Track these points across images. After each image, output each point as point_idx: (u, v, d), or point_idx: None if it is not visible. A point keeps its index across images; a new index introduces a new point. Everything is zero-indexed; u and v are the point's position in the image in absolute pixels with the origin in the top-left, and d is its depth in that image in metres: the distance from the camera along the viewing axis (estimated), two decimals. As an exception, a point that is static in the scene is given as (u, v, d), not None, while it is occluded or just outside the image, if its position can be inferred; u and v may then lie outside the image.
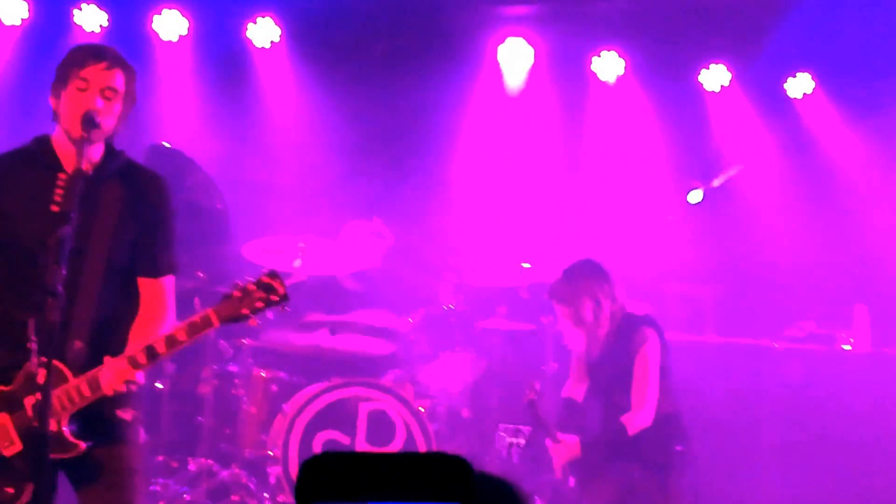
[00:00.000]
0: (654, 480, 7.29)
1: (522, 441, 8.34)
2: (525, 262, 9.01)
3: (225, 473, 8.08)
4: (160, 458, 8.20)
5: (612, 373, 7.40)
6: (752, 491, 8.73)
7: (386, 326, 8.58)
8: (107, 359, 4.74)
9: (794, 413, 8.79)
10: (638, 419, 7.24)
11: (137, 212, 4.97)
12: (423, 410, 8.05)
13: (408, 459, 1.82)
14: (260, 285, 4.81)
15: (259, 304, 4.78)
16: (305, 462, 1.83)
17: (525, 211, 9.94)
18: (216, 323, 4.80)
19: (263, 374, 8.30)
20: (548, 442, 7.45)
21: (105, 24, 9.63)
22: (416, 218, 9.63)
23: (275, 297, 4.80)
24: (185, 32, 9.80)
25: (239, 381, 8.29)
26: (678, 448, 7.35)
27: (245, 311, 4.78)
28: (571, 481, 7.44)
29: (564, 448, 7.35)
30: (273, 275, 4.84)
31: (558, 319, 7.59)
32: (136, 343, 4.87)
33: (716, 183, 9.00)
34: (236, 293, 4.80)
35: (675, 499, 7.29)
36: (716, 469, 8.34)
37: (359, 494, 1.79)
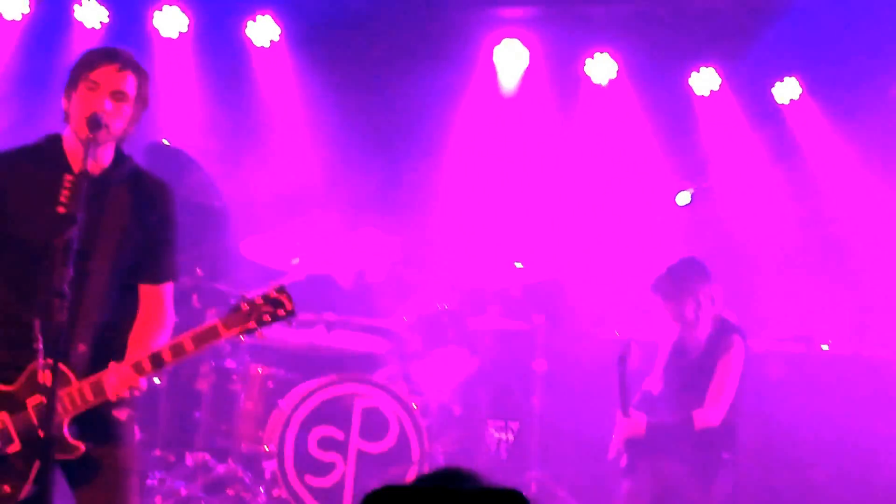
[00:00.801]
0: (697, 483, 7.30)
1: (511, 437, 8.36)
2: (518, 262, 8.98)
3: (221, 468, 8.05)
4: (157, 452, 8.15)
5: (694, 373, 7.40)
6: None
7: (380, 325, 8.54)
8: (112, 364, 4.72)
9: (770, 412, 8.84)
10: (708, 417, 7.26)
11: (143, 218, 4.95)
12: (415, 406, 8.04)
13: (468, 494, 1.81)
14: (268, 300, 4.81)
15: (266, 319, 4.81)
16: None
17: (518, 211, 9.90)
18: (224, 334, 4.80)
19: (260, 371, 8.26)
20: (617, 413, 7.41)
21: (105, 20, 9.54)
22: (410, 217, 9.60)
23: (282, 312, 4.82)
24: (185, 29, 9.72)
25: (236, 377, 8.24)
26: (726, 456, 7.36)
27: (252, 324, 4.80)
28: (624, 460, 7.44)
29: (630, 424, 7.33)
30: (281, 290, 4.84)
31: (660, 314, 7.55)
32: (134, 348, 4.87)
33: (682, 198, 9.00)
34: (244, 306, 4.80)
35: None
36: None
37: None
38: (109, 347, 4.85)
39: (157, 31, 9.72)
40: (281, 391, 8.19)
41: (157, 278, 5.02)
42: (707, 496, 7.30)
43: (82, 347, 4.78)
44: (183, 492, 7.92)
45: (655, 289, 7.52)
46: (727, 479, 7.36)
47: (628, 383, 7.39)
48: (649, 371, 7.76)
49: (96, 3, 9.55)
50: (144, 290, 5.01)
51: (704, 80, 9.94)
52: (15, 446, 4.73)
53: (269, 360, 8.39)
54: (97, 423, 4.81)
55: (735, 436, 7.40)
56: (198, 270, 8.19)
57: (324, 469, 7.89)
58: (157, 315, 5.00)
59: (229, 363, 8.31)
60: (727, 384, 7.31)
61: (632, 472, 7.40)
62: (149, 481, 7.87)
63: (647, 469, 7.36)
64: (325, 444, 7.92)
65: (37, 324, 4.65)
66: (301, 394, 7.95)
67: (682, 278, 7.45)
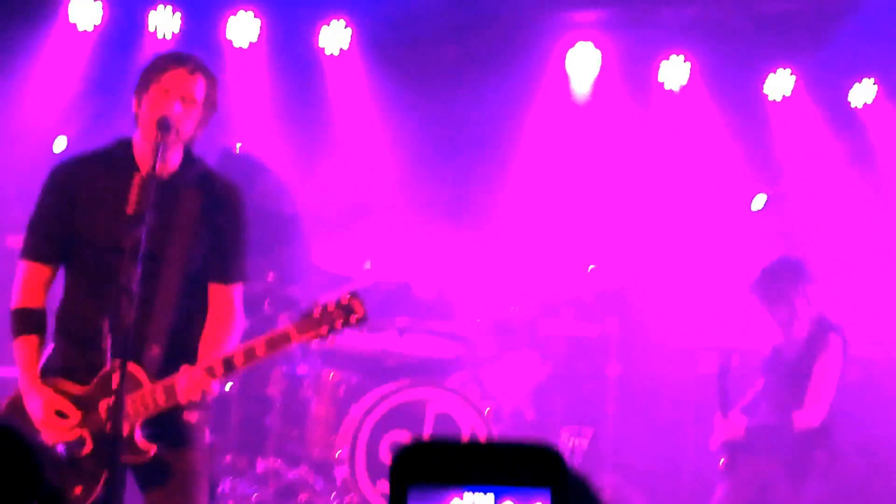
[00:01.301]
0: (791, 484, 7.21)
1: (585, 442, 8.27)
2: (591, 266, 8.90)
3: (292, 474, 7.98)
4: (228, 458, 8.10)
5: (793, 374, 7.30)
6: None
7: (453, 329, 8.48)
8: (184, 367, 4.70)
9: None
10: (808, 417, 7.17)
11: (213, 220, 4.93)
12: (488, 412, 7.95)
13: (501, 447, 1.80)
14: (340, 306, 4.80)
15: (338, 325, 4.79)
16: (400, 448, 1.80)
17: (591, 216, 9.77)
18: (295, 340, 4.78)
19: (332, 376, 8.19)
20: (716, 416, 7.34)
21: (178, 29, 9.55)
22: (483, 221, 9.50)
23: (354, 319, 4.81)
24: (257, 37, 9.69)
25: (307, 383, 8.17)
26: (820, 457, 7.26)
27: (324, 330, 4.78)
28: (723, 462, 7.36)
29: (730, 426, 7.26)
30: (354, 295, 4.83)
31: (758, 315, 7.47)
32: (205, 350, 4.84)
33: (757, 203, 8.89)
34: (317, 312, 4.78)
35: None
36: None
37: (452, 480, 1.78)
38: (182, 349, 4.84)
39: (229, 38, 9.69)
40: (353, 396, 8.10)
41: (226, 279, 5.00)
42: (799, 497, 7.19)
43: (155, 349, 4.77)
44: (254, 498, 7.87)
45: (754, 290, 7.42)
46: (821, 481, 7.25)
47: (728, 386, 7.33)
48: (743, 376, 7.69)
49: (169, 12, 9.57)
50: (214, 291, 4.98)
51: (779, 84, 9.78)
52: (87, 448, 4.72)
53: (340, 365, 8.33)
54: (168, 425, 4.80)
55: (830, 437, 7.30)
56: (269, 276, 8.14)
57: (397, 475, 7.77)
58: (227, 316, 4.97)
59: (301, 369, 8.26)
60: (826, 384, 7.21)
61: (730, 474, 7.32)
62: (220, 488, 7.81)
63: (744, 470, 7.28)
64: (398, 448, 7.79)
65: (106, 324, 4.65)
66: (373, 399, 7.87)
67: (777, 279, 7.34)
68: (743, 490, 7.28)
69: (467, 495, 1.78)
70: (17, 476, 2.11)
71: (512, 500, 1.79)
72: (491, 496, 1.79)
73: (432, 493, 1.78)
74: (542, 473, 1.79)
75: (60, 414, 4.74)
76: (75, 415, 4.73)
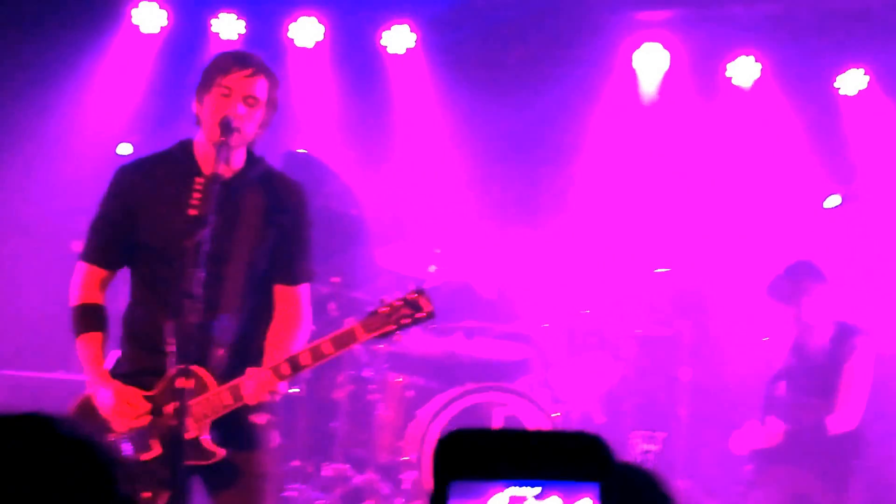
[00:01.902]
0: (830, 491, 7.11)
1: (657, 447, 8.14)
2: (660, 268, 8.76)
3: (359, 479, 7.88)
4: (295, 462, 7.98)
5: (820, 377, 7.24)
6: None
7: (521, 331, 8.36)
8: (249, 369, 4.62)
9: None
10: (842, 422, 7.10)
11: (277, 219, 4.86)
12: (557, 416, 7.82)
13: (546, 438, 1.74)
14: (407, 302, 4.72)
15: (405, 322, 4.71)
16: (442, 440, 1.72)
17: (660, 216, 9.61)
18: (362, 338, 4.71)
19: (399, 380, 8.11)
20: (752, 421, 7.32)
21: (242, 31, 9.57)
22: (551, 222, 9.36)
23: (421, 315, 4.72)
24: (320, 39, 9.65)
25: (374, 387, 8.07)
26: (856, 462, 7.17)
27: (391, 327, 4.69)
28: (751, 469, 7.31)
29: (768, 432, 7.20)
30: (420, 292, 4.75)
31: (779, 317, 7.45)
32: (271, 351, 4.76)
33: (832, 202, 8.77)
34: (383, 309, 4.70)
35: None
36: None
37: (496, 473, 1.71)
38: (247, 351, 4.78)
39: (292, 41, 9.66)
40: (419, 400, 8.02)
41: (292, 280, 4.93)
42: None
43: (220, 351, 4.70)
44: (321, 502, 7.78)
45: (772, 292, 7.42)
46: (861, 486, 7.15)
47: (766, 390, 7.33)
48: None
49: (234, 15, 9.59)
50: (280, 291, 4.91)
51: (852, 81, 9.56)
52: (155, 452, 4.67)
53: (407, 368, 8.23)
54: (235, 428, 4.74)
55: (865, 441, 7.22)
56: (334, 279, 8.06)
57: (464, 479, 7.67)
58: (294, 317, 4.90)
59: (367, 372, 8.17)
60: (858, 387, 7.16)
61: (762, 482, 7.23)
62: (287, 492, 7.71)
63: (777, 479, 7.19)
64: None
65: (169, 326, 4.57)
66: (440, 403, 7.77)
67: (797, 280, 7.33)
68: (778, 498, 7.17)
69: (511, 489, 1.70)
70: (90, 489, 2.08)
71: (558, 495, 1.71)
72: (537, 490, 1.71)
73: (474, 487, 1.70)
74: (590, 466, 1.71)
75: (132, 403, 4.69)
76: (144, 405, 4.69)
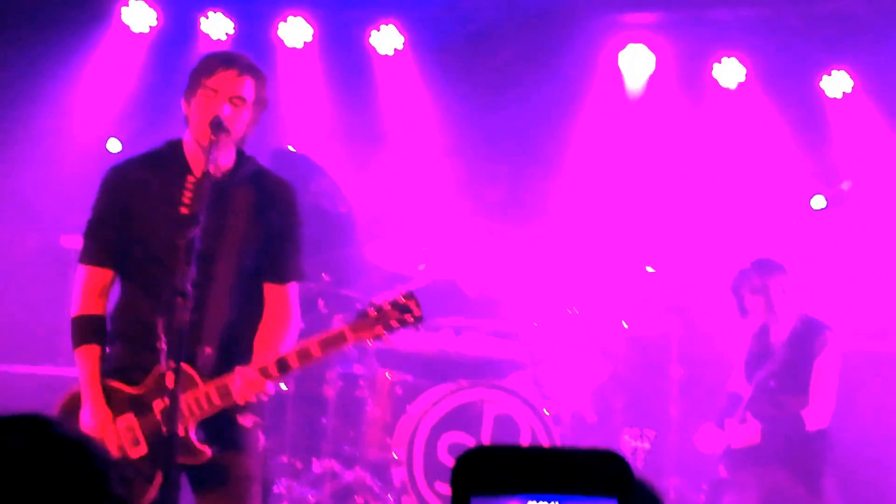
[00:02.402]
0: (807, 489, 7.10)
1: (647, 445, 8.12)
2: (649, 267, 8.74)
3: (349, 475, 7.83)
4: (284, 459, 7.93)
5: (788, 372, 7.24)
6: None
7: (511, 330, 8.32)
8: (238, 368, 4.60)
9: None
10: (818, 417, 7.11)
11: (266, 218, 4.85)
12: (548, 413, 7.78)
13: (565, 453, 1.77)
14: (396, 306, 4.71)
15: (394, 325, 4.70)
16: (462, 455, 1.77)
17: (647, 215, 9.60)
18: (351, 340, 4.69)
19: (388, 376, 8.05)
20: (730, 421, 7.30)
21: (231, 31, 9.57)
22: (538, 222, 9.34)
23: (410, 318, 4.72)
24: (309, 39, 9.64)
25: (363, 383, 8.03)
26: (829, 459, 7.20)
27: (379, 330, 4.68)
28: (723, 471, 7.31)
29: (746, 432, 7.18)
30: (410, 296, 4.74)
31: (744, 309, 7.48)
32: (260, 349, 4.74)
33: (817, 203, 8.76)
34: (372, 312, 4.69)
35: None
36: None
37: (516, 488, 1.74)
38: (236, 349, 4.75)
39: (281, 40, 9.65)
40: (409, 397, 7.96)
41: (281, 278, 4.90)
42: (818, 499, 7.08)
43: (208, 349, 4.68)
44: (311, 499, 7.74)
45: (740, 283, 7.46)
46: (833, 484, 7.17)
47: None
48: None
49: (222, 14, 9.58)
50: (269, 290, 4.88)
51: (836, 83, 9.56)
52: (142, 449, 4.64)
53: (397, 365, 8.18)
54: (223, 428, 4.71)
55: (834, 438, 7.26)
56: (324, 276, 8.02)
57: (454, 477, 7.64)
58: (283, 316, 4.87)
59: (357, 369, 8.13)
60: (829, 382, 7.19)
61: (738, 482, 7.23)
62: (276, 488, 7.66)
63: (756, 477, 7.18)
64: (456, 450, 7.63)
65: (160, 324, 4.57)
66: (430, 400, 7.72)
67: (768, 272, 7.38)
68: (754, 496, 7.15)
69: (530, 503, 1.73)
70: (86, 490, 2.11)
71: None
72: None
73: (494, 501, 1.74)
74: (608, 481, 1.73)
75: (103, 435, 4.66)
76: (129, 416, 4.66)
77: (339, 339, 4.67)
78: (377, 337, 4.69)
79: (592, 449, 1.74)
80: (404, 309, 4.70)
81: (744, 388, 7.43)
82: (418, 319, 4.72)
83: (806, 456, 7.11)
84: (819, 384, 7.16)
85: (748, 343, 7.48)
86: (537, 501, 1.72)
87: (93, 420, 4.65)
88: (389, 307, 4.69)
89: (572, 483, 1.72)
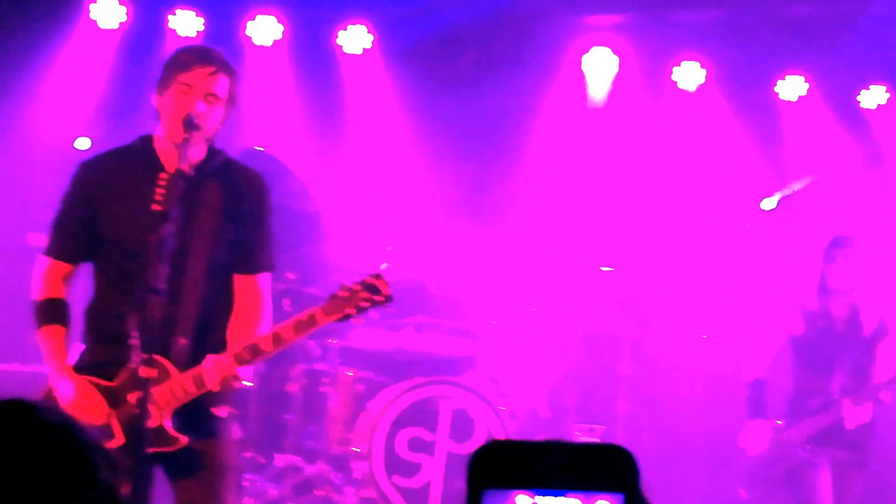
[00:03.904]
0: (859, 478, 7.00)
1: (597, 439, 8.22)
2: (605, 266, 8.83)
3: (311, 469, 7.91)
4: (248, 454, 8.00)
5: (850, 353, 7.05)
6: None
7: (468, 327, 8.40)
8: (210, 356, 4.62)
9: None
10: (864, 410, 6.94)
11: (237, 209, 4.85)
12: (503, 409, 7.86)
13: (575, 449, 1.77)
14: (365, 286, 4.72)
15: (364, 304, 4.69)
16: (477, 450, 1.77)
17: (607, 216, 9.69)
18: (322, 322, 4.71)
19: (350, 374, 8.11)
20: (768, 423, 7.14)
21: (200, 29, 9.48)
22: (501, 222, 9.40)
23: (379, 298, 4.72)
24: (278, 38, 9.61)
25: (326, 380, 8.09)
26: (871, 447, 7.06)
27: (350, 310, 4.69)
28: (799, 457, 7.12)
29: (860, 412, 6.95)
30: (377, 276, 4.75)
31: (829, 284, 7.17)
32: (233, 340, 4.75)
33: (769, 203, 8.84)
34: (342, 293, 4.70)
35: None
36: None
37: (528, 483, 1.75)
38: (210, 340, 4.76)
39: (250, 39, 9.62)
40: (370, 393, 8.04)
41: (252, 269, 4.91)
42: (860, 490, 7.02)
43: (182, 341, 4.69)
44: (273, 493, 7.81)
45: (835, 254, 7.17)
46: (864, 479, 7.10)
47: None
48: None
49: (192, 12, 9.51)
50: (240, 281, 4.89)
51: (791, 87, 9.68)
52: (118, 441, 4.66)
53: (358, 363, 8.24)
54: (198, 417, 4.74)
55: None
56: (289, 275, 8.04)
57: (412, 470, 7.73)
58: (255, 306, 4.88)
59: (319, 366, 8.18)
60: (889, 372, 6.96)
61: (815, 465, 7.02)
62: (240, 482, 7.75)
63: (827, 462, 7.02)
64: (414, 445, 7.75)
65: (132, 319, 4.55)
66: (390, 396, 7.80)
67: (828, 247, 7.16)
68: (826, 483, 6.99)
69: (538, 498, 1.75)
70: (71, 475, 2.06)
71: (581, 502, 1.75)
72: (562, 499, 1.75)
73: (504, 495, 1.75)
74: (616, 476, 1.74)
75: (91, 398, 4.68)
76: (102, 402, 4.68)
77: (312, 320, 4.69)
78: (347, 317, 4.69)
79: (601, 444, 1.77)
80: (373, 289, 4.70)
81: (782, 375, 7.23)
82: (388, 298, 4.72)
83: (858, 446, 7.01)
84: (879, 374, 7.00)
85: (800, 326, 7.21)
86: (544, 496, 1.75)
87: (71, 391, 4.65)
88: (359, 288, 4.69)
89: (581, 478, 1.74)
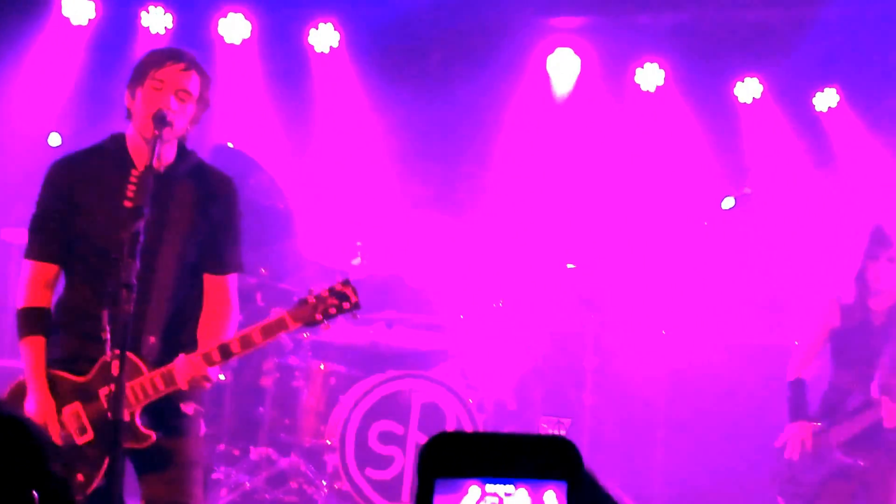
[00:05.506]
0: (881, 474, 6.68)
1: (563, 432, 8.25)
2: (570, 263, 8.89)
3: (284, 462, 7.95)
4: (222, 447, 8.02)
5: (881, 353, 6.72)
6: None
7: (438, 323, 8.44)
8: (181, 355, 4.63)
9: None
10: None
11: (207, 211, 4.85)
12: (472, 402, 7.93)
13: (522, 440, 1.84)
14: (334, 293, 4.74)
15: (332, 311, 4.73)
16: (427, 442, 1.84)
17: (570, 214, 9.74)
18: (290, 327, 4.73)
19: (322, 367, 8.15)
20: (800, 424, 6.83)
21: (170, 25, 9.45)
22: (468, 219, 9.41)
23: (347, 305, 4.75)
24: (248, 36, 9.60)
25: (299, 374, 8.12)
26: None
27: (318, 316, 4.72)
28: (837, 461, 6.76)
29: (850, 426, 6.66)
30: (346, 283, 4.77)
31: (869, 279, 6.80)
32: (202, 339, 4.76)
33: (727, 203, 8.86)
34: (311, 299, 4.72)
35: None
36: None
37: (477, 472, 1.83)
38: (180, 338, 4.77)
39: (220, 37, 9.60)
40: (342, 387, 8.08)
41: (221, 269, 4.90)
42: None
43: (152, 339, 4.69)
44: (247, 485, 7.84)
45: (878, 248, 6.77)
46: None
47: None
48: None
49: (162, 9, 9.48)
50: (209, 281, 4.88)
51: (748, 89, 9.78)
52: (88, 436, 4.65)
53: (331, 357, 8.28)
54: (166, 415, 4.74)
55: None
56: (262, 270, 8.08)
57: (384, 462, 7.77)
58: (222, 306, 4.88)
59: (292, 360, 8.21)
60: None
61: (854, 468, 6.72)
62: (214, 475, 7.75)
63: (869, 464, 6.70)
64: (385, 438, 7.80)
65: (105, 315, 4.52)
66: (362, 390, 7.84)
67: (869, 244, 6.80)
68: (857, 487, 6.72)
69: (487, 485, 1.83)
70: (18, 467, 2.07)
71: (527, 490, 1.83)
72: (510, 487, 1.83)
73: (455, 484, 1.82)
74: (560, 466, 1.82)
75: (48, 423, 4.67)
76: (76, 404, 4.67)
77: (280, 325, 4.70)
78: (316, 323, 4.72)
79: (546, 435, 1.84)
80: (342, 296, 4.72)
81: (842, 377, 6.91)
82: (355, 306, 4.74)
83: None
84: None
85: (836, 322, 6.87)
86: (493, 483, 1.82)
87: (37, 409, 4.65)
88: (328, 294, 4.71)
89: (527, 467, 1.81)
